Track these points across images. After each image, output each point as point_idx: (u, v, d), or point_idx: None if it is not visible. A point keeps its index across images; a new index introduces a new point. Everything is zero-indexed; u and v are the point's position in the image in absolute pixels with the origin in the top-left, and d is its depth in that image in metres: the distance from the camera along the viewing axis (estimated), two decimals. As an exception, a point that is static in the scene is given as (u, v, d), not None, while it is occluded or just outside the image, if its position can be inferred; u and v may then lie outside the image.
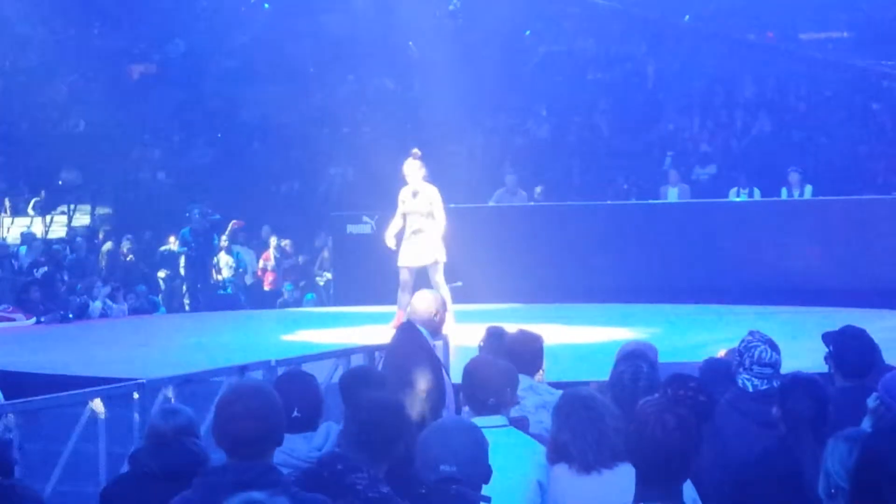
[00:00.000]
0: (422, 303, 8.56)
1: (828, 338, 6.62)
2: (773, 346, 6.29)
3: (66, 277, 19.57)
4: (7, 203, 23.44)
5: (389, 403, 4.71)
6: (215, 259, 21.71)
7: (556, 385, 7.32)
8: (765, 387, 6.12)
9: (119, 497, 5.23)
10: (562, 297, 18.44)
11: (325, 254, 22.03)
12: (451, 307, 13.83)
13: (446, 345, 10.15)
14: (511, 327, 7.89)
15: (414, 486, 4.00)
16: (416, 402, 7.53)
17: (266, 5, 27.50)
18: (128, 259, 21.28)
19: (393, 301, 14.65)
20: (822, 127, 22.66)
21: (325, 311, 19.70)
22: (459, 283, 18.11)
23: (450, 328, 12.75)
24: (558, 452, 5.29)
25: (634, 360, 6.35)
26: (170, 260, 21.84)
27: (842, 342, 6.53)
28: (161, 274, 21.72)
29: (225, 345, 14.22)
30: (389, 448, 4.54)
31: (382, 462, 4.53)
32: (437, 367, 8.28)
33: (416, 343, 8.28)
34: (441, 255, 14.22)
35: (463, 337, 10.93)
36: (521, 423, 5.99)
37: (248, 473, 4.09)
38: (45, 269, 19.68)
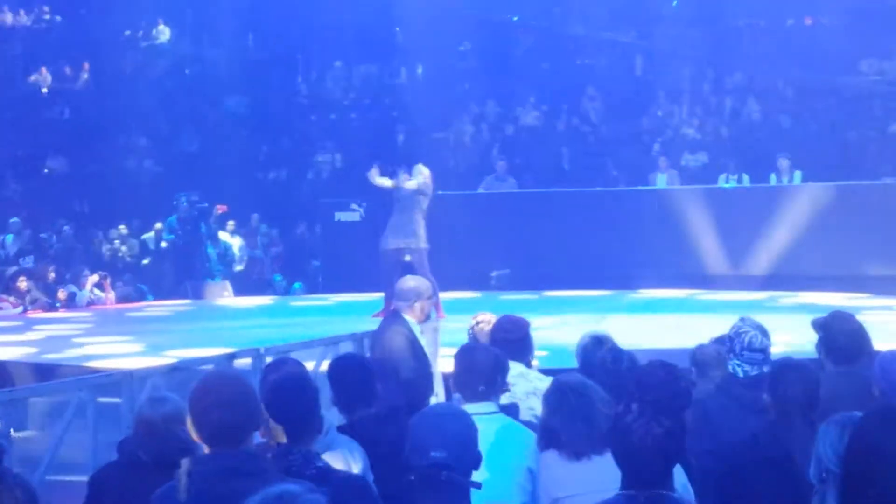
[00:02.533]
0: (403, 290, 8.57)
1: (817, 324, 6.62)
2: (764, 332, 6.30)
3: (55, 267, 19.53)
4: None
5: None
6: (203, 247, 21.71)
7: (547, 372, 7.32)
8: (755, 372, 6.13)
9: (108, 485, 5.21)
10: (551, 285, 18.48)
11: None
12: (439, 296, 13.86)
13: (436, 331, 10.14)
14: (499, 314, 7.88)
15: (404, 472, 3.99)
16: (399, 388, 7.55)
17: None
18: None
19: (381, 288, 14.66)
20: (810, 113, 22.68)
21: (313, 298, 19.71)
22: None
23: (438, 317, 12.77)
24: (548, 439, 5.29)
25: (612, 344, 6.40)
26: (154, 248, 21.82)
27: (831, 327, 6.53)
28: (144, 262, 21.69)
29: (213, 333, 14.21)
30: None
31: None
32: (421, 355, 8.28)
33: (398, 331, 8.28)
34: (423, 243, 14.24)
35: (452, 325, 10.92)
36: (511, 410, 5.99)
37: (231, 461, 4.11)
38: (33, 257, 19.64)
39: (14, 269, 19.18)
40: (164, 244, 21.46)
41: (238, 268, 22.17)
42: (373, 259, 15.18)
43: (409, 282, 8.72)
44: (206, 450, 4.27)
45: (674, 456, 3.97)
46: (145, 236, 21.90)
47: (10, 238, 20.80)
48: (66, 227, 21.81)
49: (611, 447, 4.10)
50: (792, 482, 5.10)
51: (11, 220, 21.15)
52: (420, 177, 14.53)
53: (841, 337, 6.45)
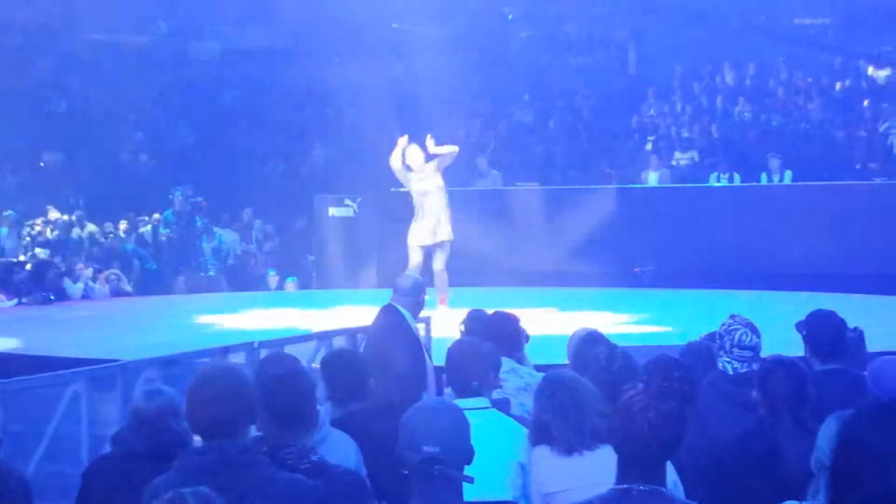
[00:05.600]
0: (401, 285, 8.61)
1: (800, 325, 6.68)
2: (754, 330, 6.34)
3: (58, 260, 19.52)
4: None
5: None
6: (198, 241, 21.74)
7: (538, 368, 7.37)
8: (745, 369, 6.17)
9: (101, 477, 5.23)
10: (544, 281, 18.50)
11: None
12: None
13: (428, 327, 10.18)
14: (490, 310, 7.92)
15: (396, 466, 4.02)
16: (396, 382, 7.58)
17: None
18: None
19: (372, 284, 14.68)
20: (801, 113, 22.73)
21: (307, 293, 19.73)
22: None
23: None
24: (540, 434, 5.32)
25: (605, 341, 6.44)
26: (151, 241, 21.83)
27: (813, 325, 6.59)
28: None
29: (207, 326, 14.24)
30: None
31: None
32: (418, 349, 8.32)
33: (397, 325, 8.32)
34: (448, 235, 14.30)
35: (445, 319, 10.96)
36: (502, 406, 6.03)
37: (226, 453, 4.14)
38: (33, 252, 19.65)
39: (6, 260, 19.18)
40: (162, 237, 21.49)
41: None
42: (367, 255, 15.21)
43: (407, 277, 8.79)
44: (200, 442, 4.32)
45: (671, 447, 4.01)
46: (143, 230, 21.89)
47: (4, 231, 20.78)
48: (60, 220, 21.80)
49: (612, 433, 4.12)
50: (779, 478, 5.14)
51: (6, 213, 21.13)
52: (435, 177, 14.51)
53: (823, 332, 6.52)
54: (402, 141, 14.44)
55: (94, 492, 5.20)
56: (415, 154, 14.28)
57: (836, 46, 23.69)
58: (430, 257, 14.23)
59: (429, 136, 14.48)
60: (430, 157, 14.35)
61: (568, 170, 22.58)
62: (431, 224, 14.18)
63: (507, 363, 6.61)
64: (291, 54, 25.77)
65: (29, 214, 21.85)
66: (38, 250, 20.06)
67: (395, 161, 14.30)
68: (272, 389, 4.77)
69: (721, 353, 6.29)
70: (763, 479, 5.28)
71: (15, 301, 17.79)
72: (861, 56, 23.63)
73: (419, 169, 14.22)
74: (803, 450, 4.63)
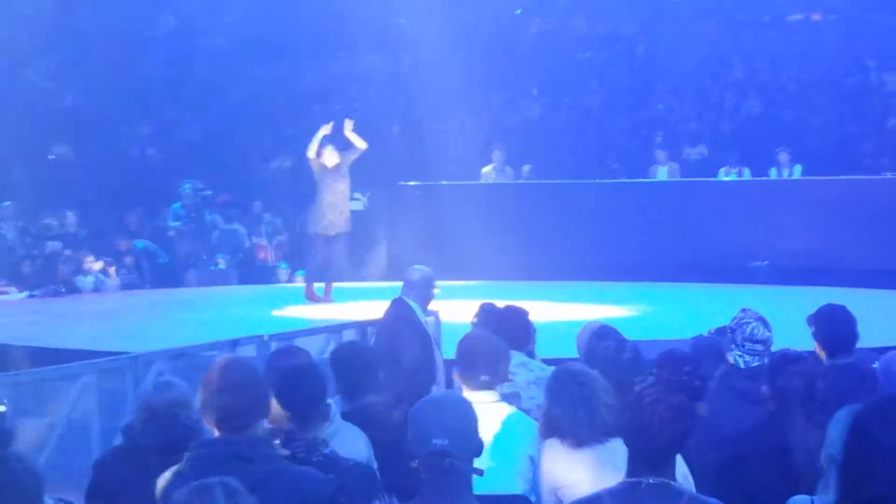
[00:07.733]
0: (411, 279, 8.61)
1: (811, 319, 6.68)
2: (765, 324, 6.34)
3: (67, 252, 19.53)
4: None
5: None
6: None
7: (547, 361, 7.38)
8: (756, 363, 6.17)
9: (112, 469, 5.24)
10: (551, 275, 18.51)
11: None
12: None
13: (438, 320, 10.19)
14: (500, 304, 7.93)
15: (406, 459, 4.04)
16: (405, 376, 7.61)
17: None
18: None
19: (381, 277, 14.70)
20: (811, 108, 22.69)
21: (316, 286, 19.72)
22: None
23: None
24: (550, 427, 5.32)
25: (616, 335, 6.45)
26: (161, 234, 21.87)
27: (822, 320, 6.59)
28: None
29: (217, 320, 14.25)
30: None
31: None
32: (427, 343, 8.34)
33: (406, 318, 8.33)
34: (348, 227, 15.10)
35: (455, 313, 10.96)
36: (512, 399, 6.04)
37: (238, 446, 4.15)
38: (49, 243, 19.68)
39: (17, 253, 19.22)
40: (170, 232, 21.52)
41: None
42: (375, 247, 15.25)
43: (416, 269, 8.79)
44: (213, 435, 4.33)
45: (680, 441, 4.02)
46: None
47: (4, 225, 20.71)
48: (69, 214, 21.80)
49: (623, 425, 4.13)
50: (789, 473, 5.15)
51: (4, 204, 21.06)
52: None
53: (831, 328, 6.52)
54: (326, 129, 14.88)
55: (104, 483, 5.21)
56: (331, 156, 15.09)
57: (847, 41, 23.63)
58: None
59: (348, 119, 14.85)
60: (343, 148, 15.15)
61: (576, 164, 22.54)
62: (335, 216, 14.90)
63: (517, 357, 6.63)
64: (299, 49, 25.75)
65: (37, 208, 21.83)
66: (48, 243, 20.03)
67: (311, 151, 14.79)
68: (283, 383, 4.79)
69: (732, 346, 6.29)
70: (773, 473, 5.28)
71: (26, 293, 17.82)
72: (872, 50, 23.55)
73: (334, 168, 15.07)
74: (813, 444, 4.64)
